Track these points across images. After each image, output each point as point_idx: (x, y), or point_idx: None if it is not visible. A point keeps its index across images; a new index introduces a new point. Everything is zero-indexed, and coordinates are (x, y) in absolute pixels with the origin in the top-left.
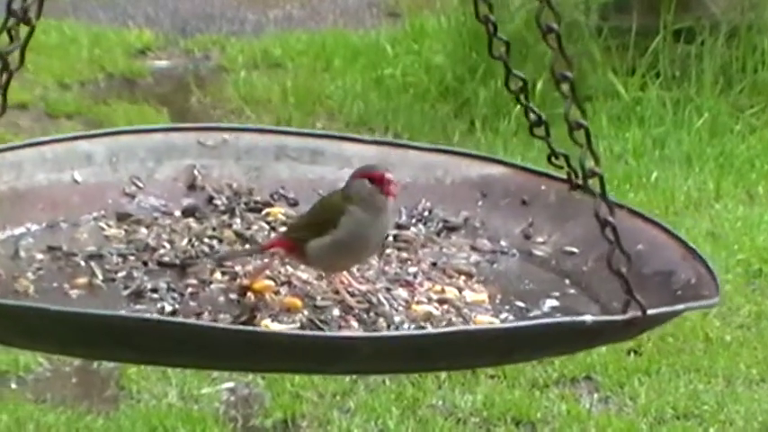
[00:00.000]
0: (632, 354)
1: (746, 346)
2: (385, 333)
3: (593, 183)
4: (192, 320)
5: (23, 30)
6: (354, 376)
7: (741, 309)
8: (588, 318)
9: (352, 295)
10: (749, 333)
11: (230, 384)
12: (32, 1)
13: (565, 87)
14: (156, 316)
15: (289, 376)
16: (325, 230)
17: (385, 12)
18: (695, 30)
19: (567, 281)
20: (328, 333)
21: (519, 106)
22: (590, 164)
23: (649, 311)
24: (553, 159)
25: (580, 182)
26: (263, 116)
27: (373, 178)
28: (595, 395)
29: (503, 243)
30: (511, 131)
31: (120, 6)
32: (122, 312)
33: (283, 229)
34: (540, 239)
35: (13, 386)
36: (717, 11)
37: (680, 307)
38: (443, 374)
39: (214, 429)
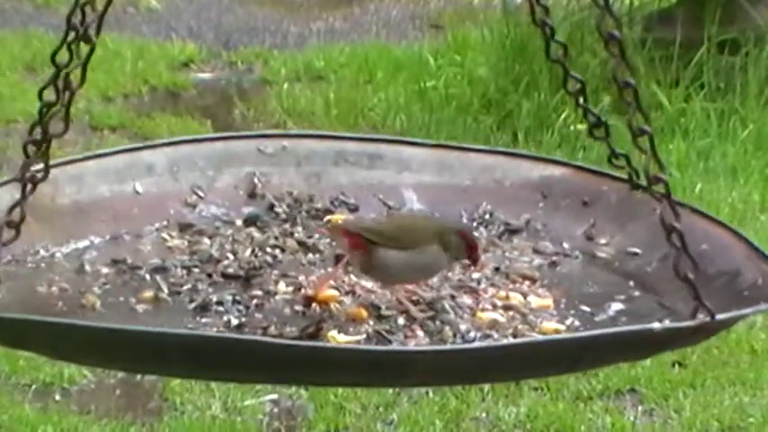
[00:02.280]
0: (677, 366)
1: None
2: (449, 346)
3: (658, 189)
4: (260, 337)
5: (84, 48)
6: (398, 389)
7: None
8: (657, 325)
9: (417, 303)
10: None
11: (274, 396)
12: (93, 19)
13: (627, 94)
14: (227, 335)
15: (332, 388)
16: (406, 248)
17: (428, 24)
18: (740, 41)
19: (632, 282)
20: (395, 348)
21: (563, 118)
22: (654, 170)
23: (718, 316)
24: (614, 160)
25: (641, 182)
26: (306, 129)
27: (469, 242)
28: (640, 408)
29: (565, 245)
30: (554, 143)
31: (163, 20)
32: (197, 331)
33: (347, 221)
34: (602, 241)
35: (58, 398)
36: (761, 22)
37: (749, 310)
38: (487, 387)
39: None
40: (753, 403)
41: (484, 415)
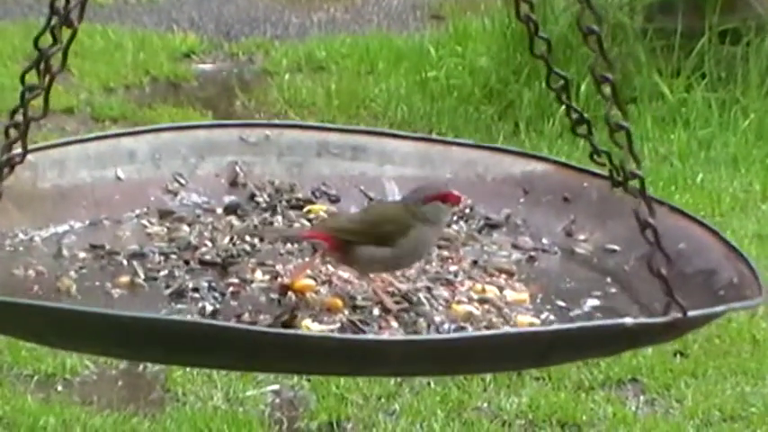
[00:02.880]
0: (679, 356)
1: None
2: (417, 337)
3: (634, 185)
4: (230, 323)
5: (66, 33)
6: (399, 379)
7: None
8: (628, 320)
9: (393, 295)
10: None
11: (275, 387)
12: (75, 4)
13: (606, 89)
14: (190, 318)
15: (334, 378)
16: (386, 241)
17: (429, 14)
18: (741, 31)
19: (609, 279)
20: (360, 337)
21: (564, 107)
22: (630, 166)
23: (690, 313)
24: (595, 157)
25: (622, 179)
26: (307, 119)
27: (446, 199)
28: (641, 397)
29: (544, 241)
30: (555, 133)
31: (164, 11)
32: (164, 315)
33: (325, 221)
34: (581, 237)
35: (60, 389)
36: (762, 11)
37: (721, 308)
38: (489, 377)
39: None
40: (754, 393)
41: (486, 405)
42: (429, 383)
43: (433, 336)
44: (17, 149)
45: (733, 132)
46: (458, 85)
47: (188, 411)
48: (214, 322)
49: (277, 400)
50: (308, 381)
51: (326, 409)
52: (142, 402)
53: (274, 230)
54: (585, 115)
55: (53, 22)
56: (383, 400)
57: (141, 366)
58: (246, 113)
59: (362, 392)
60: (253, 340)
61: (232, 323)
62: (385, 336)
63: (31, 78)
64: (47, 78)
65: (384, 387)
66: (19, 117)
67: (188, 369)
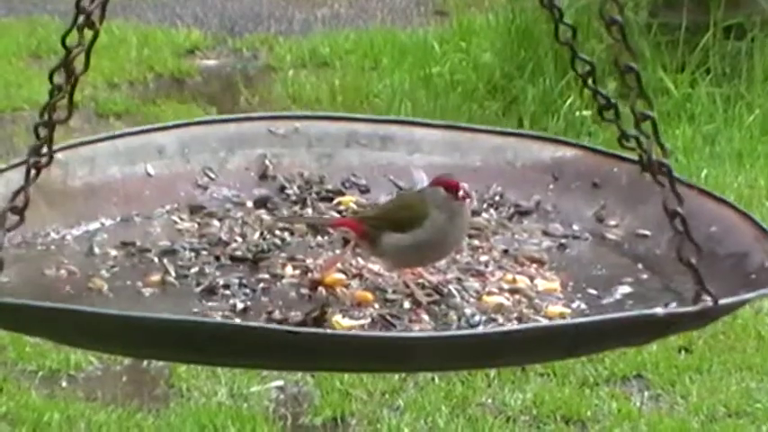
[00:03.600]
0: (683, 352)
1: None
2: (448, 333)
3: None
4: (255, 324)
5: (87, 34)
6: (404, 374)
7: None
8: (659, 310)
9: (423, 287)
10: None
11: (280, 382)
12: (96, 5)
13: (630, 79)
14: (208, 319)
15: (338, 374)
16: (407, 228)
17: (433, 10)
18: (745, 26)
19: (640, 265)
20: (392, 334)
21: (567, 103)
22: (657, 154)
23: (721, 301)
24: (624, 142)
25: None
26: None
27: (447, 186)
28: (646, 393)
29: (575, 227)
30: (560, 129)
31: (168, 6)
32: (190, 317)
33: (357, 210)
34: (612, 222)
35: (65, 384)
36: (767, 7)
37: (752, 294)
38: (493, 372)
39: (264, 428)
40: (759, 388)
41: (490, 401)
42: (433, 379)
43: (460, 332)
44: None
45: (738, 128)
46: (462, 81)
47: (192, 407)
48: (242, 323)
49: (281, 396)
50: (312, 377)
51: (331, 405)
52: (146, 398)
53: (304, 219)
54: (613, 100)
55: (80, 21)
56: (387, 395)
57: (145, 362)
58: (250, 109)
59: (366, 388)
60: (283, 340)
61: (260, 323)
62: (412, 333)
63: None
64: (71, 80)
65: (388, 383)
66: (46, 117)
67: (192, 365)
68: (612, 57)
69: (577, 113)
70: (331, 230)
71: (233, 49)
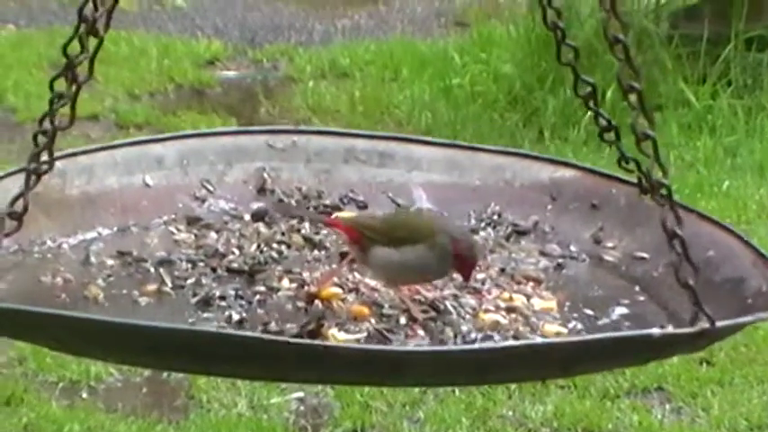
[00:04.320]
0: (705, 364)
1: None
2: (441, 348)
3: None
4: (251, 334)
5: (92, 41)
6: (419, 388)
7: None
8: (655, 331)
9: (420, 303)
10: None
11: (300, 394)
12: (101, 12)
13: (632, 98)
14: (211, 329)
15: (359, 387)
16: (398, 245)
17: (453, 21)
18: (767, 38)
19: (637, 287)
20: (388, 348)
21: (589, 114)
22: (657, 175)
23: (718, 323)
24: (623, 164)
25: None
26: (331, 126)
27: (460, 261)
28: (667, 406)
29: (572, 248)
30: (580, 140)
31: (188, 17)
32: (185, 326)
33: (352, 216)
34: (610, 244)
35: (85, 396)
36: None
37: (749, 318)
38: (513, 385)
39: None
40: None
41: (510, 413)
42: (453, 391)
43: (455, 347)
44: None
45: (759, 139)
46: (482, 92)
47: (212, 418)
48: (237, 333)
49: (301, 408)
50: (333, 388)
51: (351, 417)
52: (166, 409)
53: (304, 211)
54: (613, 122)
55: (81, 29)
56: (407, 407)
57: (165, 373)
58: (270, 120)
59: (387, 400)
60: (277, 351)
61: (257, 334)
62: (407, 347)
63: (59, 86)
64: (74, 87)
65: (408, 395)
66: (47, 124)
67: (211, 377)
68: (616, 75)
69: None
70: (327, 227)
71: (253, 59)
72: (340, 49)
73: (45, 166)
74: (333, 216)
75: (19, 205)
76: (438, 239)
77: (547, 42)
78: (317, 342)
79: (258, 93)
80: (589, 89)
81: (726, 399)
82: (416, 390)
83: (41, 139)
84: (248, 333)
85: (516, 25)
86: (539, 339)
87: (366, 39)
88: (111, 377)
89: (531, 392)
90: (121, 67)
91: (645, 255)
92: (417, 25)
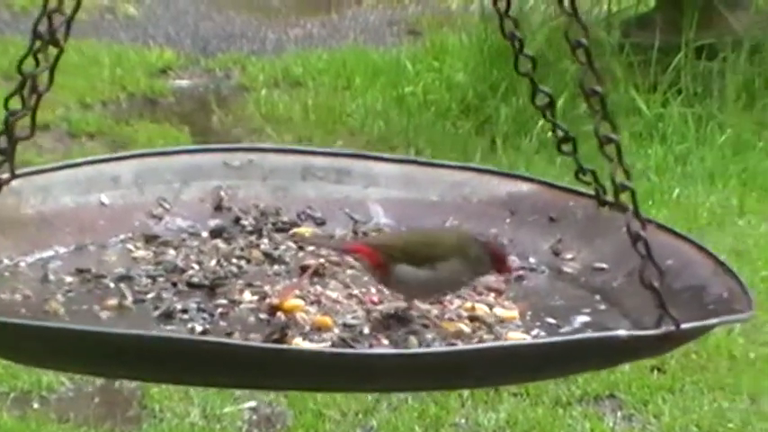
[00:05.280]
0: (656, 371)
1: None
2: (419, 350)
3: (625, 197)
4: (225, 339)
5: (52, 52)
6: (377, 394)
7: (765, 326)
8: (622, 332)
9: (381, 313)
10: None
11: (253, 403)
12: (61, 23)
13: (595, 102)
14: (188, 336)
15: (311, 394)
16: (425, 263)
17: (405, 29)
18: (717, 46)
19: (598, 297)
20: (361, 351)
21: (541, 123)
22: (621, 178)
23: (683, 326)
24: (581, 176)
25: (608, 198)
26: (284, 135)
27: (498, 260)
28: (619, 413)
29: (531, 260)
30: (533, 149)
31: (140, 26)
32: (156, 332)
33: (372, 237)
34: (568, 256)
35: (36, 406)
36: (739, 27)
37: (713, 321)
38: (466, 392)
39: None
40: (731, 408)
41: (463, 421)
42: (407, 399)
43: (430, 349)
44: (4, 173)
45: (709, 147)
46: (435, 101)
47: (165, 428)
48: (214, 339)
49: (254, 417)
50: (285, 397)
51: (304, 426)
52: (119, 419)
53: (321, 238)
54: (571, 133)
55: (36, 45)
56: (360, 415)
57: (118, 383)
58: (223, 129)
59: (340, 408)
60: (252, 356)
61: (232, 339)
62: (381, 350)
63: (14, 103)
64: (33, 99)
65: (362, 403)
66: (3, 141)
67: (164, 385)
68: (578, 80)
69: (550, 134)
70: (351, 257)
71: (206, 68)
72: (293, 57)
73: (5, 176)
74: (291, 232)
75: None
76: (470, 251)
77: (499, 51)
78: (290, 347)
79: (211, 101)
80: (547, 100)
81: (677, 406)
82: (369, 398)
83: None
84: (225, 339)
85: (469, 34)
86: (509, 341)
87: (319, 47)
88: (62, 387)
89: (484, 400)
90: (73, 76)
91: (604, 265)
92: (370, 34)
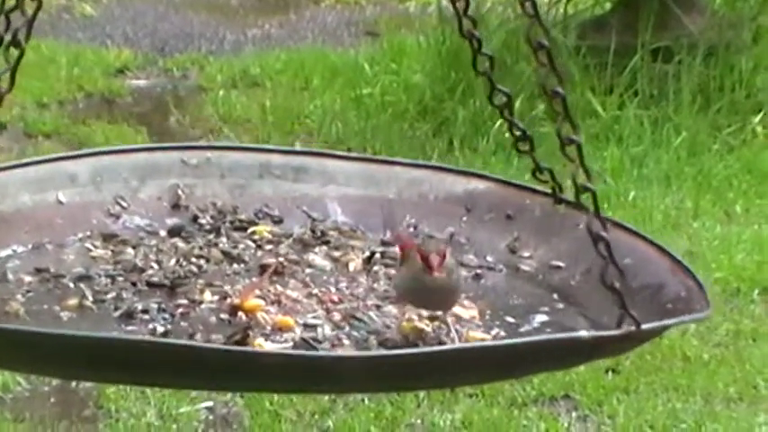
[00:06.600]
0: (610, 372)
1: (724, 365)
2: (381, 352)
3: (585, 199)
4: (189, 341)
5: (13, 53)
6: (333, 395)
7: (719, 327)
8: (584, 333)
9: (340, 314)
10: (727, 352)
11: (209, 403)
12: (22, 24)
13: (556, 104)
14: (150, 338)
15: (268, 395)
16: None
17: (363, 31)
18: (673, 49)
19: (555, 295)
20: (323, 353)
21: (498, 125)
22: (582, 180)
23: (644, 326)
24: (538, 174)
25: (565, 197)
26: (242, 135)
27: (422, 257)
28: (574, 414)
29: (489, 258)
30: (490, 150)
31: (98, 26)
32: (118, 334)
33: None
34: (526, 254)
35: None
36: (694, 30)
37: (674, 320)
38: (422, 393)
39: None
40: (685, 409)
41: (419, 421)
42: (363, 400)
43: (396, 351)
44: None
45: (665, 150)
46: (392, 102)
47: (121, 428)
48: (178, 341)
49: (211, 417)
50: (242, 397)
51: (260, 426)
52: (75, 419)
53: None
54: (528, 132)
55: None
56: (317, 416)
57: (74, 383)
58: (181, 129)
59: (296, 409)
60: (214, 359)
61: (195, 342)
62: (348, 352)
63: None
64: None
65: (318, 404)
66: None
67: (121, 386)
68: (540, 81)
69: (507, 135)
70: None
71: (163, 68)
72: (251, 58)
73: None
74: (249, 231)
75: None
76: (411, 254)
77: (457, 53)
78: (260, 350)
79: (168, 102)
80: (504, 99)
81: (631, 406)
82: (326, 399)
83: None
84: (190, 342)
85: (426, 36)
86: (472, 343)
87: (277, 48)
88: (18, 386)
89: (440, 401)
90: (30, 76)
91: (561, 263)
92: (328, 34)
